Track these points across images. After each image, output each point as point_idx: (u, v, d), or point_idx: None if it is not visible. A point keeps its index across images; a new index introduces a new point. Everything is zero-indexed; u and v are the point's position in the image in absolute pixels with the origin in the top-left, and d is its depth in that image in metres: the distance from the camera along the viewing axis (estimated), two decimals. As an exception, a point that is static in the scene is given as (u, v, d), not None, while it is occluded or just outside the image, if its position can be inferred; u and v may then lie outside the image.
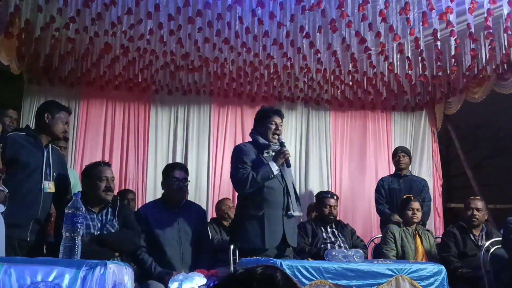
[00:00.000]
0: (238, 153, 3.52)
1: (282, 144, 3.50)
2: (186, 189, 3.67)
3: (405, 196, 4.37)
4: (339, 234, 4.17)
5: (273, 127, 3.52)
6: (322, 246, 4.00)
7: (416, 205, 4.19)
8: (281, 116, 3.59)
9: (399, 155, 5.13)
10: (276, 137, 3.53)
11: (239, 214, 3.55)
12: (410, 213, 4.17)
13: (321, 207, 4.20)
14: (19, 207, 2.86)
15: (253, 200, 3.42)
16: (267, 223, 3.37)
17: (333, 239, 4.10)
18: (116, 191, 4.41)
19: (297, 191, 3.76)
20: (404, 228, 4.17)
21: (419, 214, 4.19)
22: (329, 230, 4.19)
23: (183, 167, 3.72)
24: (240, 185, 3.42)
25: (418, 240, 4.14)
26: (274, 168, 3.38)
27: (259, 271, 1.03)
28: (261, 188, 3.41)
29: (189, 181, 3.71)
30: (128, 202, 4.75)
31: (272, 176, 3.39)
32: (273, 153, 3.49)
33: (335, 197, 4.25)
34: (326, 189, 6.33)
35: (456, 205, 7.32)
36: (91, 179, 3.15)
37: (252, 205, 3.42)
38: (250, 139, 3.62)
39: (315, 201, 4.52)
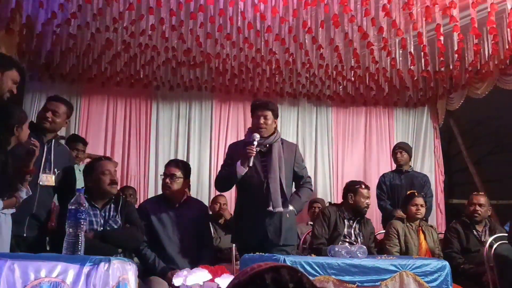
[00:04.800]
0: (227, 151, 3.65)
1: (250, 142, 3.29)
2: (172, 185, 3.50)
3: (409, 192, 4.35)
4: (360, 231, 3.89)
5: (256, 120, 3.39)
6: (339, 243, 3.64)
7: (420, 200, 4.16)
8: (267, 108, 3.40)
9: (397, 152, 5.13)
10: (263, 130, 3.36)
11: (234, 211, 3.65)
12: (414, 208, 4.15)
13: (356, 197, 3.84)
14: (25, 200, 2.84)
15: (239, 198, 3.49)
16: (247, 220, 3.35)
17: (353, 238, 3.80)
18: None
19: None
20: (408, 224, 4.15)
21: (422, 210, 4.17)
22: (352, 224, 3.87)
23: (174, 163, 3.63)
24: (215, 184, 3.59)
25: (422, 236, 4.13)
26: (239, 168, 3.29)
27: (291, 286, 1.02)
28: (243, 186, 3.39)
29: (179, 177, 3.53)
30: (126, 197, 4.74)
31: (236, 176, 3.31)
32: (264, 148, 3.39)
33: (368, 188, 4.01)
34: (328, 186, 6.36)
35: (458, 201, 7.32)
36: (94, 174, 3.14)
37: (238, 202, 3.50)
38: None
39: (345, 190, 4.01)
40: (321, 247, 3.60)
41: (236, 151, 3.41)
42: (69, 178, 3.28)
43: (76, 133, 5.74)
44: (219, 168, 5.98)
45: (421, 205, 4.15)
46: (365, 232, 3.93)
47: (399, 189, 4.94)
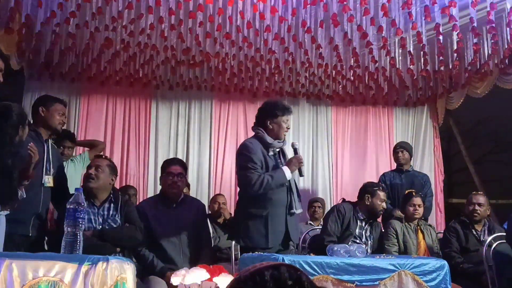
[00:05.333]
0: (245, 151, 3.36)
1: (296, 151, 3.43)
2: (181, 184, 3.59)
3: (407, 192, 4.34)
4: (371, 234, 3.89)
5: (285, 125, 3.41)
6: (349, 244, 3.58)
7: (417, 201, 4.15)
8: (291, 114, 3.56)
9: (398, 151, 5.12)
10: (285, 135, 3.46)
11: (242, 212, 3.43)
12: (411, 209, 4.15)
13: (373, 199, 3.83)
14: (21, 202, 2.85)
15: (257, 199, 3.32)
16: (271, 223, 3.29)
17: (364, 240, 3.80)
18: (117, 187, 4.42)
19: (298, 186, 3.67)
20: (406, 224, 4.15)
21: (420, 210, 4.16)
22: (364, 226, 3.85)
23: (179, 162, 3.68)
24: (252, 187, 3.27)
25: (420, 235, 4.13)
26: (288, 174, 3.30)
27: (289, 283, 1.03)
28: None
29: (186, 176, 3.65)
30: (129, 197, 4.74)
31: (286, 184, 3.31)
32: (277, 151, 3.43)
33: (386, 191, 4.02)
34: (327, 185, 6.36)
35: (457, 201, 7.32)
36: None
37: (255, 204, 3.33)
38: (253, 134, 3.50)
39: (362, 190, 3.99)
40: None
41: (257, 151, 3.34)
42: (62, 179, 3.30)
43: (76, 132, 5.72)
44: (218, 168, 6.14)
45: (419, 205, 4.14)
46: (375, 235, 3.94)
47: (399, 188, 4.93)
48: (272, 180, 3.25)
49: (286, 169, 3.31)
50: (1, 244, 2.56)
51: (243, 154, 3.36)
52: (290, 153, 3.59)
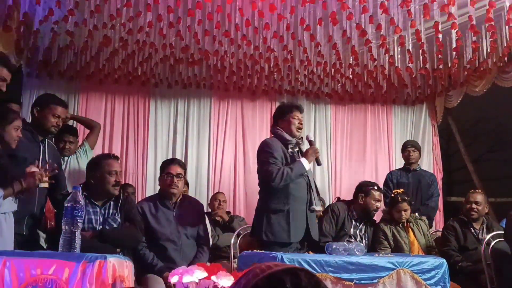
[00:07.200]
0: (266, 147, 3.49)
1: (311, 142, 3.57)
2: (180, 185, 3.62)
3: (393, 193, 4.25)
4: (366, 232, 3.90)
5: (297, 121, 3.55)
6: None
7: (404, 206, 4.05)
8: (302, 111, 3.65)
9: (410, 149, 5.08)
10: (300, 131, 3.57)
11: (263, 207, 3.46)
12: (397, 215, 4.07)
13: (367, 198, 3.86)
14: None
15: (278, 194, 3.41)
16: (292, 218, 3.38)
17: (358, 239, 3.81)
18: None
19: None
20: (395, 224, 4.10)
21: (407, 214, 4.07)
22: (359, 226, 3.87)
23: (178, 163, 3.69)
24: (274, 180, 3.35)
25: (411, 234, 4.07)
26: (306, 165, 3.43)
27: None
28: (288, 184, 3.43)
29: (183, 176, 3.66)
30: (129, 195, 4.73)
31: (305, 173, 3.44)
32: (297, 149, 3.55)
33: (382, 191, 4.02)
34: (326, 184, 6.36)
35: (456, 199, 7.32)
36: (99, 172, 3.10)
37: (277, 199, 3.41)
38: (268, 135, 3.64)
39: (357, 189, 4.03)
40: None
41: (277, 147, 3.45)
42: (59, 178, 3.29)
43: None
44: (217, 166, 6.13)
45: (405, 211, 4.05)
46: (371, 234, 3.94)
47: (406, 187, 4.88)
48: (291, 172, 3.36)
49: (304, 160, 3.44)
50: (11, 242, 2.56)
51: (264, 151, 3.48)
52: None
